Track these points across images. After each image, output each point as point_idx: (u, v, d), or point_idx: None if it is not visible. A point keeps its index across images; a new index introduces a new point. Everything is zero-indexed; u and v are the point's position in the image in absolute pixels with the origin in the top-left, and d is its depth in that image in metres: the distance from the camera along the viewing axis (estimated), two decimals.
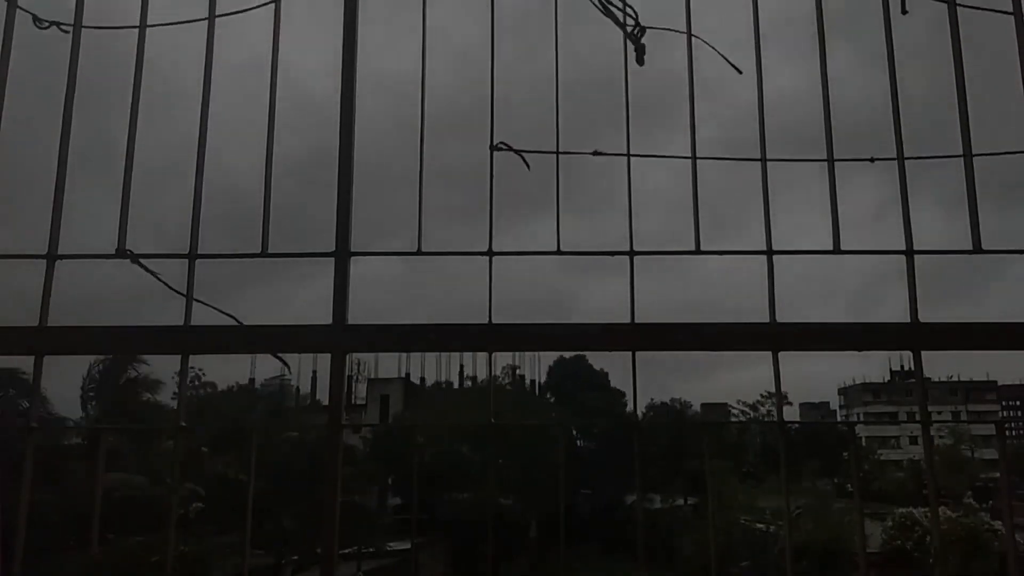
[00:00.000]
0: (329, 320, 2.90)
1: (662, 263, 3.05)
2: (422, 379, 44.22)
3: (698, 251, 3.01)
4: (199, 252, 2.97)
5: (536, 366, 46.08)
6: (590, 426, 45.10)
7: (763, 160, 3.07)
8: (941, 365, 67.08)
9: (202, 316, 2.89)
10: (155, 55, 3.05)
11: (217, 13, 3.13)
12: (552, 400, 42.80)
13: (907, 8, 3.13)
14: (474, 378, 40.13)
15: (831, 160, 3.06)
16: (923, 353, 2.93)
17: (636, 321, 2.93)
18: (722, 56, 3.07)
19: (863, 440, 53.72)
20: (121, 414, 21.51)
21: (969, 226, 3.01)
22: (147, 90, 2.99)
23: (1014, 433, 71.35)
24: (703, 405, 47.95)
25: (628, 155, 3.05)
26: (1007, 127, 3.15)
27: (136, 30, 3.11)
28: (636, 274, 2.94)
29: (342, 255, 2.94)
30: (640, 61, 3.04)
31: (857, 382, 70.82)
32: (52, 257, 2.90)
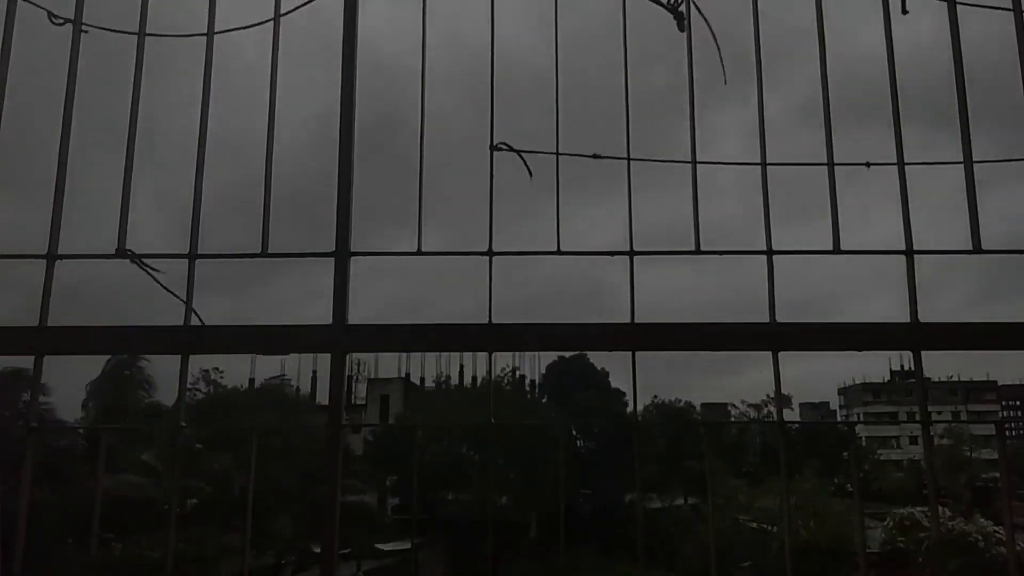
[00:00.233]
0: (329, 320, 2.90)
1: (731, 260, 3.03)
2: (422, 379, 44.21)
3: (698, 251, 3.01)
4: (199, 252, 2.97)
5: (536, 366, 46.07)
6: (590, 426, 45.07)
7: (763, 164, 3.07)
8: (941, 365, 67.11)
9: (205, 314, 2.89)
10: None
11: (217, 30, 3.14)
12: (551, 400, 42.77)
13: (907, 8, 3.13)
14: (474, 378, 40.12)
15: (831, 164, 3.07)
16: (923, 353, 2.93)
17: (636, 321, 2.93)
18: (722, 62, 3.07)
19: (863, 440, 53.68)
20: (120, 414, 21.49)
21: (969, 227, 3.01)
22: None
23: (1014, 433, 71.32)
24: (703, 405, 47.91)
25: (628, 159, 3.05)
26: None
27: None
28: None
29: (342, 255, 2.94)
30: (681, 27, 3.07)
31: (857, 382, 70.80)
32: (52, 257, 2.90)
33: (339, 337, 2.88)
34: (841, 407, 72.31)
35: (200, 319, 2.88)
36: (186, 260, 2.96)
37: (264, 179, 3.05)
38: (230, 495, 18.14)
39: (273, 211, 3.01)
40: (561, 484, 24.36)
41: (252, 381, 27.90)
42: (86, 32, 3.08)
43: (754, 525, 23.14)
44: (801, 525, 20.84)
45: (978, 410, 66.39)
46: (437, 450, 33.67)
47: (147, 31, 3.12)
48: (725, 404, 50.17)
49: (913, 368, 2.96)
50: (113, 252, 2.94)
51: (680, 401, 45.96)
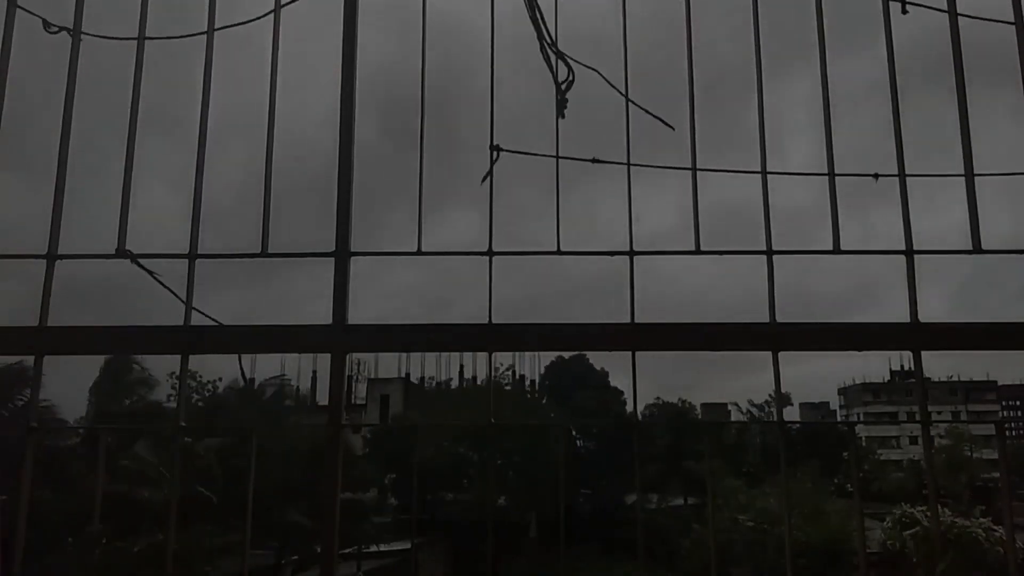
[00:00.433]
0: (329, 320, 2.90)
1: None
2: (422, 379, 44.22)
3: (698, 251, 3.01)
4: (199, 252, 2.97)
5: (536, 366, 46.10)
6: (589, 426, 45.10)
7: (763, 172, 3.07)
8: (941, 365, 67.17)
9: (217, 309, 2.89)
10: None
11: (216, 26, 3.14)
12: (551, 400, 42.78)
13: (907, 9, 3.13)
14: (474, 378, 40.13)
15: (831, 175, 3.07)
16: (923, 353, 2.93)
17: (636, 321, 2.93)
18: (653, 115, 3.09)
19: (863, 440, 53.70)
20: (117, 414, 21.46)
21: (969, 227, 3.01)
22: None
23: (1014, 433, 71.34)
24: (703, 405, 47.92)
25: (628, 164, 3.05)
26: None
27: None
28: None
29: (342, 255, 2.94)
30: (561, 114, 3.09)
31: (857, 382, 70.85)
32: (52, 257, 2.90)
33: (339, 337, 2.88)
34: (841, 407, 72.36)
35: (210, 317, 2.88)
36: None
37: (264, 179, 3.05)
38: (228, 495, 18.10)
39: (298, 196, 3.01)
40: (561, 484, 24.36)
41: (252, 381, 27.88)
42: (82, 38, 3.08)
43: (751, 524, 23.14)
44: (799, 526, 20.84)
45: (978, 410, 66.42)
46: (437, 450, 33.70)
47: (148, 29, 3.13)
48: (725, 404, 50.21)
49: (913, 368, 2.96)
50: (113, 252, 2.94)
51: (681, 402, 45.99)
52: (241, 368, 3.14)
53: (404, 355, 39.53)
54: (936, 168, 3.17)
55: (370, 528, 24.09)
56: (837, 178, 3.05)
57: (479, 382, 38.71)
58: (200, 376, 27.86)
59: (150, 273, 2.92)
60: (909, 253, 2.98)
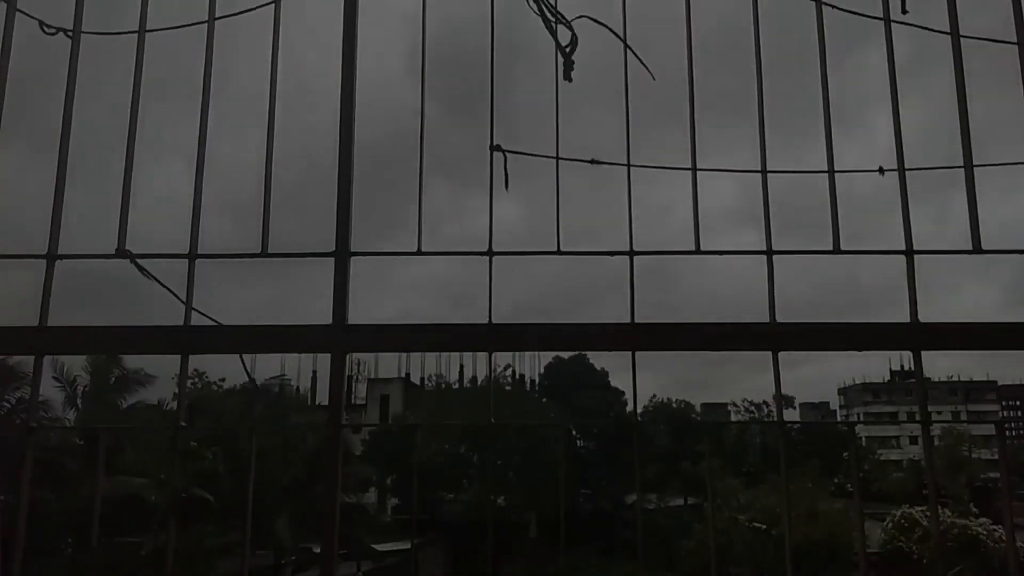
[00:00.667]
0: (329, 320, 2.90)
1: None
2: (422, 379, 44.25)
3: (698, 251, 3.01)
4: (199, 252, 2.97)
5: (535, 366, 46.12)
6: (589, 426, 45.12)
7: (763, 172, 3.07)
8: (941, 365, 67.21)
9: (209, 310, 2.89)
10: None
11: (217, 15, 3.13)
12: (551, 400, 42.81)
13: (907, 8, 3.13)
14: (474, 378, 40.15)
15: (831, 172, 3.07)
16: (923, 353, 2.93)
17: (636, 321, 2.92)
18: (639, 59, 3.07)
19: (863, 440, 53.73)
20: (111, 414, 21.41)
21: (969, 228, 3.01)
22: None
23: (1014, 433, 71.38)
24: (703, 405, 47.96)
25: (628, 165, 3.05)
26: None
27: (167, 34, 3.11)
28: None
29: (342, 255, 2.94)
30: (568, 78, 3.08)
31: (857, 382, 70.89)
32: (52, 257, 2.90)
33: (339, 337, 2.87)
34: (841, 407, 72.41)
35: (209, 317, 2.87)
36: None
37: (264, 178, 3.05)
38: (226, 495, 18.11)
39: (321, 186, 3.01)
40: (561, 484, 24.37)
41: (252, 380, 27.90)
42: (69, 36, 3.08)
43: (749, 524, 23.16)
44: (799, 526, 20.85)
45: (978, 410, 66.47)
46: (437, 450, 33.72)
47: (148, 25, 3.12)
48: (725, 404, 50.25)
49: (913, 368, 2.96)
50: (113, 252, 2.94)
51: (678, 402, 46.02)
52: (245, 368, 3.13)
53: (404, 355, 39.57)
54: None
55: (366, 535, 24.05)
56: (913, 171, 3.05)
57: (479, 382, 38.74)
58: (206, 375, 27.82)
59: (149, 275, 2.91)
60: (909, 253, 2.98)
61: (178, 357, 2.95)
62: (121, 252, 2.93)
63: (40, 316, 2.85)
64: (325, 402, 2.94)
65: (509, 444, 31.79)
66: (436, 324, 3.03)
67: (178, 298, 2.89)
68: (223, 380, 27.91)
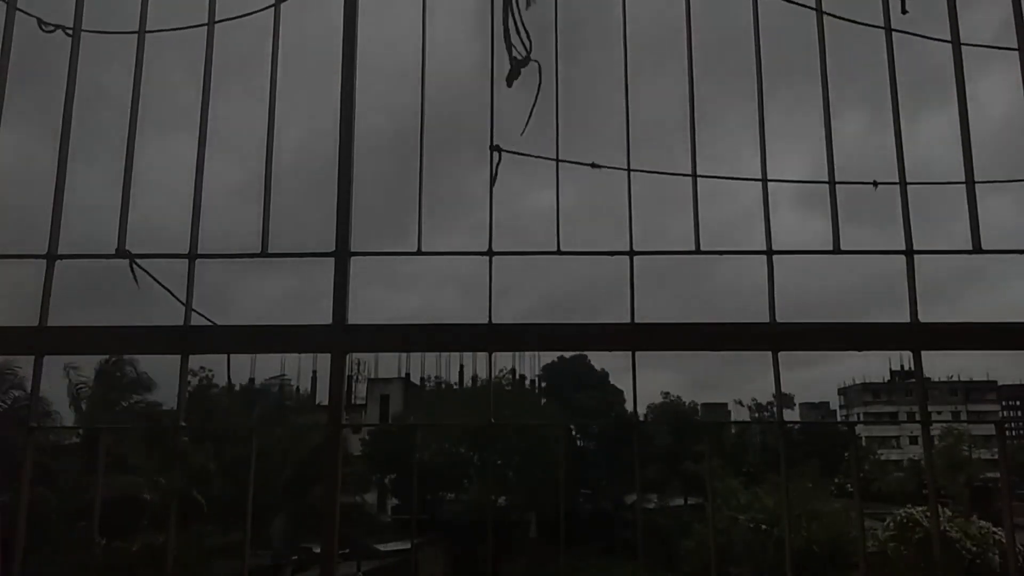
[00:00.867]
0: (329, 320, 2.90)
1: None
2: (422, 379, 44.21)
3: (698, 251, 3.01)
4: (199, 252, 2.97)
5: (536, 366, 46.09)
6: (589, 426, 45.10)
7: (764, 180, 3.08)
8: (941, 365, 67.13)
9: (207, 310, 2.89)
10: None
11: (217, 18, 3.13)
12: (551, 400, 42.79)
13: (907, 8, 3.13)
14: (474, 378, 40.12)
15: (832, 183, 3.07)
16: (923, 353, 2.93)
17: (636, 321, 2.93)
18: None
19: (863, 440, 53.71)
20: (112, 414, 21.39)
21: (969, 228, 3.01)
22: None
23: (1014, 433, 71.35)
24: (703, 405, 47.93)
25: (628, 169, 3.06)
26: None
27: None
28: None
29: (342, 255, 2.94)
30: (509, 83, 3.10)
31: (857, 382, 70.86)
32: (52, 257, 2.90)
33: (339, 337, 2.88)
34: (841, 407, 72.38)
35: (206, 317, 2.87)
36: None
37: (264, 178, 3.05)
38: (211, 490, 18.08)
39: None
40: (561, 484, 24.35)
41: (252, 381, 27.88)
42: (68, 34, 3.08)
43: (750, 524, 23.14)
44: (799, 526, 20.84)
45: (978, 410, 66.42)
46: (436, 450, 33.69)
47: (146, 30, 3.12)
48: (725, 404, 50.26)
49: (913, 368, 2.96)
50: (113, 252, 2.94)
51: (691, 403, 45.99)
52: (228, 370, 3.15)
53: (404, 355, 39.53)
54: None
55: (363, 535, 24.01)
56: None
57: (479, 382, 38.71)
58: (211, 373, 27.72)
59: (149, 275, 2.91)
60: (909, 253, 2.98)
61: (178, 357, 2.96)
62: (121, 252, 2.93)
63: (40, 316, 2.85)
64: (325, 402, 2.94)
65: (509, 444, 31.77)
66: (436, 324, 3.03)
67: (177, 299, 2.89)
68: (212, 373, 27.71)
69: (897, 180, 3.06)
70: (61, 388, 20.39)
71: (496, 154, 3.06)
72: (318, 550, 2.93)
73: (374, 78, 3.10)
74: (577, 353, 41.90)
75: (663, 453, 34.17)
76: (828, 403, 69.64)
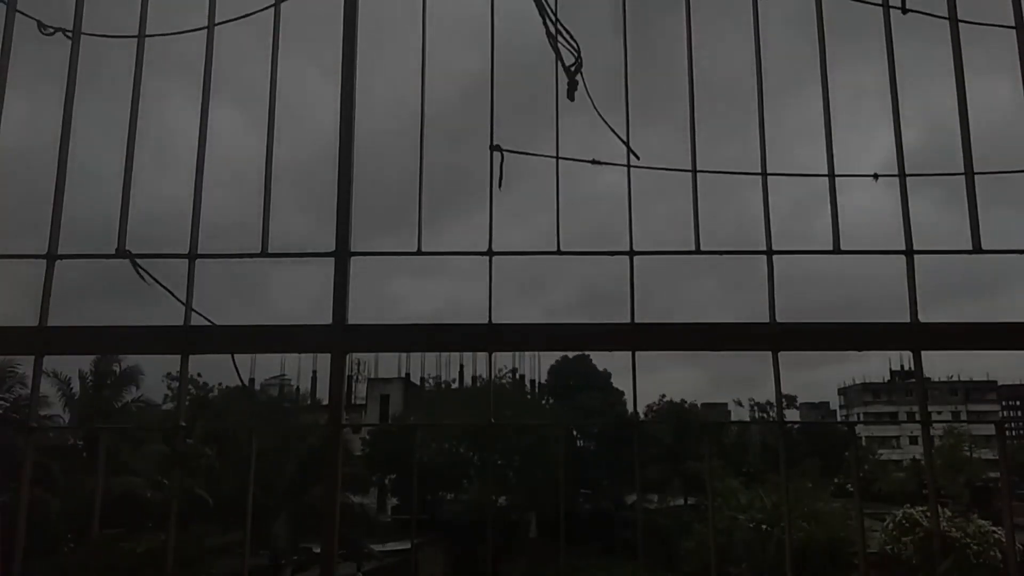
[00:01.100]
0: (329, 320, 2.89)
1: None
2: (422, 379, 44.24)
3: (698, 251, 3.01)
4: (199, 252, 2.97)
5: (536, 366, 46.12)
6: (590, 426, 45.12)
7: (763, 174, 3.07)
8: (941, 365, 67.17)
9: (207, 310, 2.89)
10: None
11: (217, 21, 3.13)
12: (553, 400, 42.81)
13: (907, 8, 3.13)
14: (474, 378, 40.13)
15: (832, 176, 3.07)
16: (923, 353, 2.93)
17: (636, 321, 2.93)
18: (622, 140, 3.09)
19: (863, 440, 53.73)
20: (109, 414, 21.38)
21: (969, 227, 3.01)
22: None
23: (1014, 433, 71.40)
24: (703, 405, 47.97)
25: (628, 166, 3.05)
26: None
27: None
28: None
29: (342, 255, 2.94)
30: (571, 96, 3.08)
31: (857, 382, 70.89)
32: (52, 257, 2.90)
33: (339, 337, 2.88)
34: (841, 407, 72.42)
35: (205, 317, 2.87)
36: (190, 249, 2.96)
37: (264, 177, 3.05)
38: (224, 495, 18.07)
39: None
40: (561, 484, 24.35)
41: (252, 381, 27.91)
42: (68, 36, 3.08)
43: (751, 524, 23.14)
44: (799, 526, 20.85)
45: (978, 410, 66.45)
46: (436, 450, 33.71)
47: (145, 34, 3.12)
48: (725, 404, 50.30)
49: (913, 368, 2.96)
50: (113, 252, 2.94)
51: (680, 401, 45.99)
52: (236, 369, 3.13)
53: (404, 355, 39.56)
54: None
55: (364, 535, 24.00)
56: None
57: (479, 382, 38.72)
58: (202, 378, 27.76)
59: (148, 275, 2.91)
60: (909, 253, 2.98)
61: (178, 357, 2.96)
62: (121, 252, 2.93)
63: (40, 316, 2.85)
64: (325, 402, 2.94)
65: (509, 444, 31.79)
66: (436, 324, 3.03)
67: (177, 299, 2.89)
68: (203, 384, 27.75)
69: (897, 173, 3.06)
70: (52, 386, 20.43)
71: (498, 154, 3.06)
72: (318, 550, 2.93)
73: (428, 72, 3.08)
74: (580, 354, 41.97)
75: (663, 453, 34.18)
76: (828, 403, 69.75)
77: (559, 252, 3.01)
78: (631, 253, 2.97)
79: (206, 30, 3.11)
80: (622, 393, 41.86)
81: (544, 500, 30.68)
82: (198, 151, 3.04)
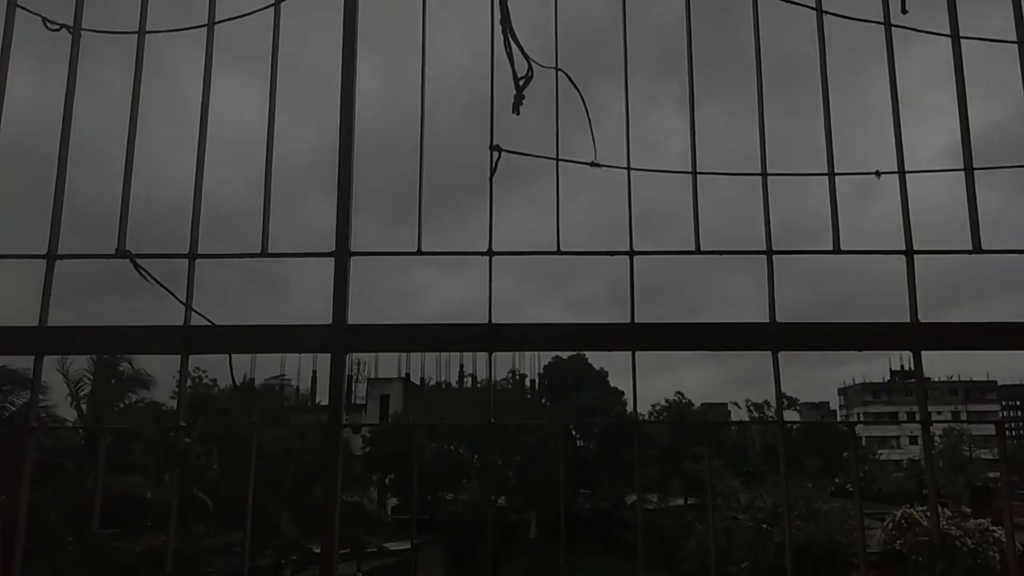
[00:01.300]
0: (329, 320, 2.89)
1: None
2: (422, 379, 44.26)
3: (698, 251, 3.01)
4: (199, 252, 2.97)
5: (536, 365, 46.15)
6: (589, 426, 45.14)
7: (763, 174, 3.07)
8: (941, 365, 67.23)
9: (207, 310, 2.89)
10: None
11: (217, 19, 3.13)
12: (551, 400, 42.83)
13: (907, 8, 3.13)
14: (474, 378, 40.16)
15: (832, 174, 3.07)
16: (923, 353, 2.93)
17: (637, 321, 2.92)
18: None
19: (863, 440, 53.74)
20: (113, 414, 21.34)
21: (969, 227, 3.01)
22: None
23: (1014, 433, 71.43)
24: (703, 404, 47.95)
25: (628, 168, 3.05)
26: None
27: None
28: None
29: (342, 255, 2.94)
30: (516, 111, 3.08)
31: (857, 382, 70.93)
32: (52, 257, 2.90)
33: (339, 337, 2.87)
34: (841, 407, 72.46)
35: (205, 317, 2.87)
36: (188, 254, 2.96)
37: (264, 177, 3.05)
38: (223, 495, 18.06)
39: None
40: (561, 484, 24.36)
41: (252, 381, 27.89)
42: (69, 30, 3.08)
43: (752, 524, 23.14)
44: (799, 526, 20.85)
45: (978, 410, 66.48)
46: (437, 450, 33.72)
47: (146, 31, 3.12)
48: (725, 404, 50.28)
49: (913, 368, 2.96)
50: (113, 252, 2.94)
51: (679, 397, 45.98)
52: (231, 370, 3.12)
53: (404, 355, 39.57)
54: None
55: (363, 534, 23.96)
56: None
57: (479, 382, 38.74)
58: (204, 374, 27.68)
59: (149, 275, 2.91)
60: (909, 253, 2.98)
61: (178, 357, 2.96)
62: (121, 252, 2.93)
63: (40, 316, 2.85)
64: (325, 402, 2.93)
65: (509, 444, 31.79)
66: (436, 324, 3.03)
67: (177, 299, 2.89)
68: (208, 380, 27.69)
69: (896, 170, 3.06)
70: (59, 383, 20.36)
71: (496, 153, 3.06)
72: (318, 550, 2.93)
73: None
74: (576, 353, 42.02)
75: (663, 453, 34.19)
76: (828, 403, 69.81)
77: (559, 252, 3.01)
78: (631, 253, 2.97)
79: (206, 28, 3.11)
80: (622, 393, 41.91)
81: (544, 500, 30.69)
82: (198, 151, 3.04)
